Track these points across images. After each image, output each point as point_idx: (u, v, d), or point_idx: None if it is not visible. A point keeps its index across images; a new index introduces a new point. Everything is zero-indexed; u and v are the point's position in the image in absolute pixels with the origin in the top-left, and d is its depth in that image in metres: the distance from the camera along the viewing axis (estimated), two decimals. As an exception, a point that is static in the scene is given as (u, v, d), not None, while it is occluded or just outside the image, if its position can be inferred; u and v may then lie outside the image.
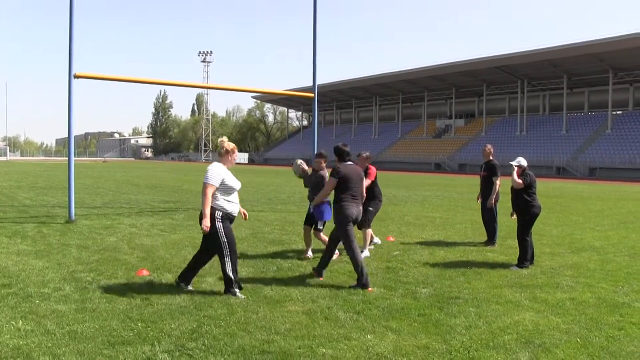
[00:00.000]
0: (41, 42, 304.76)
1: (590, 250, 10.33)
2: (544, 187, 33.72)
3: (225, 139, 6.93)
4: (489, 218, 10.97)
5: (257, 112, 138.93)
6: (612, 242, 11.34)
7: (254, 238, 11.08)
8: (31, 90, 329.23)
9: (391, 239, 11.26)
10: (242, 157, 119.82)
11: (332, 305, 6.28)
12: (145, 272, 7.70)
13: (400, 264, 8.80)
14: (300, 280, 7.47)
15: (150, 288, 6.89)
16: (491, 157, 11.20)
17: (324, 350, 4.81)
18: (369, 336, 5.22)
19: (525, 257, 8.72)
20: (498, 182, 10.88)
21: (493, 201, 10.87)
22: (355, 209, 7.42)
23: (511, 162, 9.15)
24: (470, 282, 7.60)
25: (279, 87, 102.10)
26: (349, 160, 7.56)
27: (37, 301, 6.20)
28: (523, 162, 9.10)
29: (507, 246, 10.65)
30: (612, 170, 57.47)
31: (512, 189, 9.08)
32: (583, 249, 10.53)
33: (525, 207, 8.87)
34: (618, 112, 67.93)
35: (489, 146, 11.33)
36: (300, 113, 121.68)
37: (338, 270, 8.16)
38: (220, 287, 6.99)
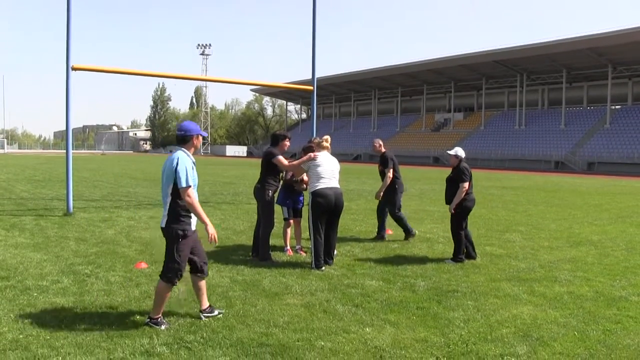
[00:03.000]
0: (38, 34, 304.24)
1: (588, 245, 10.34)
2: (542, 181, 33.75)
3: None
4: (380, 211, 10.77)
5: (256, 105, 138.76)
6: (610, 236, 11.35)
7: (252, 231, 11.06)
8: (29, 83, 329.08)
9: (390, 232, 11.26)
10: (241, 150, 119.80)
11: (331, 298, 6.29)
12: (143, 265, 7.70)
13: (398, 257, 8.81)
14: (298, 274, 7.48)
15: (148, 281, 6.90)
16: (383, 150, 10.65)
17: (323, 343, 4.82)
18: (367, 329, 5.23)
19: (460, 251, 8.55)
20: (390, 174, 10.44)
21: (382, 193, 10.52)
22: None
23: (448, 151, 8.97)
24: (468, 275, 7.62)
25: (278, 80, 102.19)
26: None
27: (35, 294, 6.20)
28: (460, 152, 8.80)
29: (505, 240, 10.66)
30: (611, 164, 57.49)
31: (447, 181, 8.85)
32: (581, 243, 10.54)
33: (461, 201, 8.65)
34: (617, 106, 67.86)
35: (377, 141, 10.80)
36: (299, 106, 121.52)
37: (336, 263, 8.16)
38: (219, 279, 7.00)
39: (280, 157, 8.29)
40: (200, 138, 5.45)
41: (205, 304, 5.58)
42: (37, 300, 5.97)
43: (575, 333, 5.25)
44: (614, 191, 26.08)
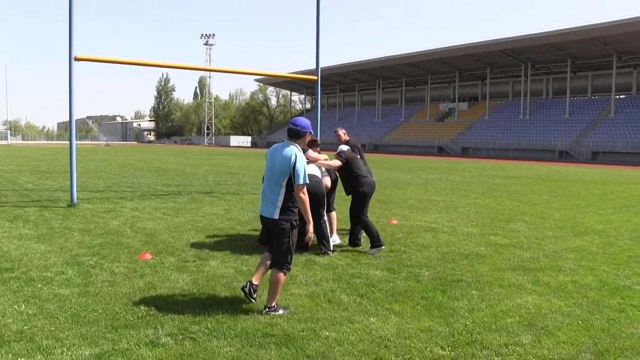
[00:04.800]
0: (41, 25, 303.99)
1: (592, 234, 10.32)
2: (547, 171, 33.68)
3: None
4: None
5: (260, 95, 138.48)
6: (614, 226, 11.32)
7: (256, 221, 11.07)
8: (32, 74, 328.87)
9: (394, 222, 11.26)
10: (245, 141, 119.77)
11: (335, 288, 6.29)
12: (148, 256, 7.71)
13: (403, 247, 8.80)
14: (303, 264, 7.48)
15: (153, 272, 6.91)
16: (347, 138, 9.86)
17: (327, 333, 4.82)
18: (372, 319, 5.24)
19: (374, 237, 8.36)
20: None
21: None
22: None
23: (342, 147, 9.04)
24: (473, 265, 7.61)
25: (282, 70, 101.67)
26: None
27: (40, 285, 6.22)
28: (344, 147, 8.97)
29: (509, 229, 10.64)
30: (615, 154, 57.33)
31: (339, 171, 8.83)
32: (585, 232, 10.52)
33: (354, 187, 8.62)
34: (621, 96, 67.54)
35: (341, 130, 9.96)
36: (303, 96, 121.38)
37: (341, 253, 8.16)
38: (224, 270, 7.01)
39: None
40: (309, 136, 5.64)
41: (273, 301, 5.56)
42: (42, 291, 5.98)
43: (580, 322, 5.24)
44: (618, 181, 26.01)
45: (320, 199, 8.29)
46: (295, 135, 5.47)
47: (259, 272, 5.73)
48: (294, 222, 5.40)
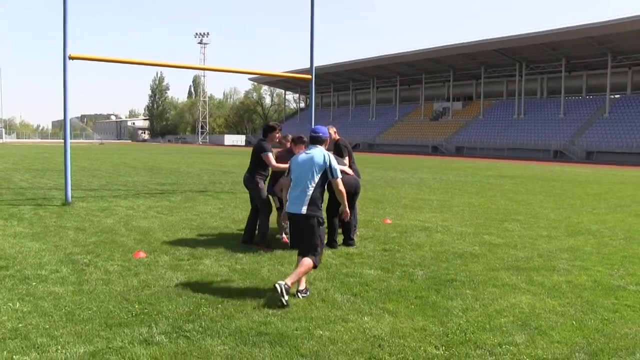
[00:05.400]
0: (35, 23, 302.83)
1: (586, 234, 10.36)
2: (541, 171, 33.76)
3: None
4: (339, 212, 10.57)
5: (254, 94, 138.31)
6: (608, 226, 11.37)
7: (251, 220, 11.07)
8: (26, 72, 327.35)
9: (388, 221, 11.27)
10: (239, 139, 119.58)
11: (329, 287, 6.30)
12: (142, 254, 7.70)
13: (397, 246, 8.81)
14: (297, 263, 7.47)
15: (147, 270, 6.90)
16: (337, 137, 9.73)
17: (321, 332, 4.83)
18: (366, 318, 5.24)
19: (330, 236, 8.53)
20: (347, 162, 9.51)
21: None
22: None
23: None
24: (467, 264, 7.63)
25: (276, 69, 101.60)
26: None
27: (34, 283, 6.20)
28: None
29: (503, 229, 10.67)
30: (609, 154, 57.50)
31: None
32: (579, 232, 10.56)
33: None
34: (616, 95, 67.77)
35: (331, 128, 9.53)
36: (297, 95, 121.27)
37: (335, 253, 8.17)
38: (217, 268, 7.01)
39: (270, 155, 8.59)
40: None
41: (304, 284, 6.04)
42: (36, 289, 5.97)
43: (574, 322, 5.26)
44: (613, 180, 26.10)
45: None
46: (318, 140, 6.34)
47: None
48: (320, 219, 6.07)
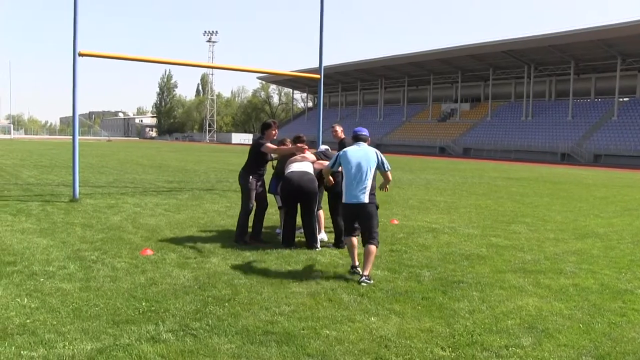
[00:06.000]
0: (45, 20, 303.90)
1: (594, 237, 10.32)
2: (548, 173, 33.66)
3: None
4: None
5: (262, 93, 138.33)
6: (616, 229, 11.32)
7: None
8: (35, 69, 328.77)
9: (395, 222, 11.26)
10: (246, 138, 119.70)
11: (336, 287, 6.30)
12: (149, 252, 7.72)
13: (404, 247, 8.80)
14: (304, 262, 7.49)
15: (154, 267, 6.92)
16: (342, 136, 9.68)
17: (328, 332, 4.83)
18: (372, 318, 5.24)
19: (341, 237, 8.43)
20: None
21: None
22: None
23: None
24: (473, 266, 7.61)
25: (285, 68, 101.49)
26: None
27: (42, 279, 6.23)
28: (322, 148, 9.44)
29: (510, 231, 10.64)
30: (617, 157, 57.15)
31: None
32: (587, 235, 10.52)
33: (331, 188, 8.54)
34: (625, 98, 67.35)
35: (338, 126, 9.83)
36: (305, 94, 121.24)
37: (342, 252, 8.17)
38: (225, 267, 7.02)
39: (269, 144, 8.74)
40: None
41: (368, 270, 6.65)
42: (44, 285, 6.00)
43: (581, 325, 5.25)
44: (620, 184, 25.99)
45: (315, 196, 8.49)
46: (363, 138, 7.27)
47: (355, 255, 7.03)
48: (377, 205, 7.02)
